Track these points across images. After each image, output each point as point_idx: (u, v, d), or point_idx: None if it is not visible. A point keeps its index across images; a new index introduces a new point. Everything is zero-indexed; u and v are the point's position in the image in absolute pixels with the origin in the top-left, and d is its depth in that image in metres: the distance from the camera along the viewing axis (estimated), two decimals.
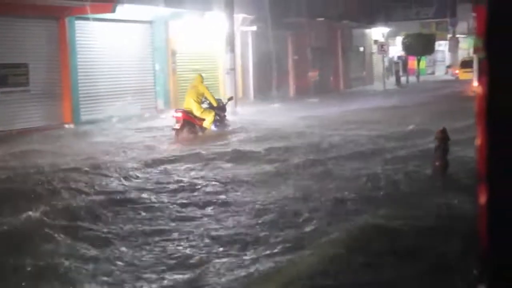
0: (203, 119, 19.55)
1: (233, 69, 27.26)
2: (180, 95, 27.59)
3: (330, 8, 42.46)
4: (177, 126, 18.88)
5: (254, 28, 31.97)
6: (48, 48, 22.17)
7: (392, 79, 48.76)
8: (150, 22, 26.29)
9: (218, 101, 20.45)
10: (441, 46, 59.88)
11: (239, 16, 29.49)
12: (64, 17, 22.39)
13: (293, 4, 37.57)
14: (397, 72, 47.77)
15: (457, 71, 44.72)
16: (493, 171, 1.85)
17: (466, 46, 67.05)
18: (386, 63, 48.59)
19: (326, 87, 40.64)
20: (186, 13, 26.92)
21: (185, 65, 28.19)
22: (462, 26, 60.32)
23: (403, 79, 47.29)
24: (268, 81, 34.36)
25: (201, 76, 20.43)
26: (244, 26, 31.21)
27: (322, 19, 40.16)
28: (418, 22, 54.59)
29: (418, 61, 51.24)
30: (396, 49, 51.53)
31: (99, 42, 23.91)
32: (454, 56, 59.01)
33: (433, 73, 60.95)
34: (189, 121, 19.20)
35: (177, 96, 27.38)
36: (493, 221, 1.91)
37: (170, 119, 20.56)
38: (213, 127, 19.92)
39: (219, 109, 20.21)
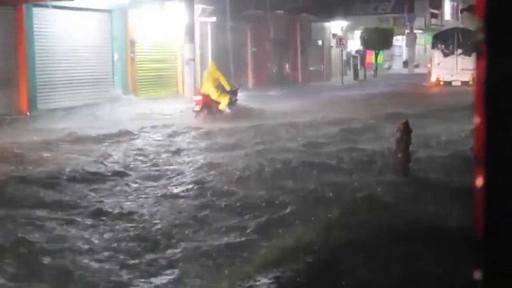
0: (219, 102, 21.90)
1: (192, 59, 27.15)
2: (139, 85, 27.45)
3: (289, 1, 42.53)
4: (197, 108, 21.48)
5: (214, 19, 31.85)
6: (5, 35, 21.77)
7: (350, 73, 48.99)
8: (109, 11, 26.01)
9: (232, 86, 22.94)
10: (399, 41, 60.31)
11: (198, 7, 29.34)
12: (22, 3, 22.00)
13: None
14: (355, 66, 48.07)
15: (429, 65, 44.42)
16: (491, 155, 1.82)
17: (423, 42, 67.66)
18: (344, 57, 48.74)
19: (284, 80, 40.66)
20: (146, 2, 26.75)
21: (144, 55, 28.03)
22: (420, 21, 60.77)
23: (360, 73, 47.51)
24: (227, 73, 34.19)
25: (215, 63, 23.26)
26: (203, 17, 31.06)
27: (281, 11, 40.24)
28: (376, 17, 54.88)
29: (376, 55, 51.51)
30: (354, 43, 51.67)
31: (57, 30, 23.56)
32: (411, 51, 59.44)
33: (389, 67, 61.37)
34: (207, 104, 21.68)
35: (135, 86, 27.18)
36: (490, 205, 1.88)
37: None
38: (227, 109, 22.17)
39: (232, 93, 22.59)
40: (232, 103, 22.54)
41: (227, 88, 22.25)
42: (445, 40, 38.83)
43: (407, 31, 57.92)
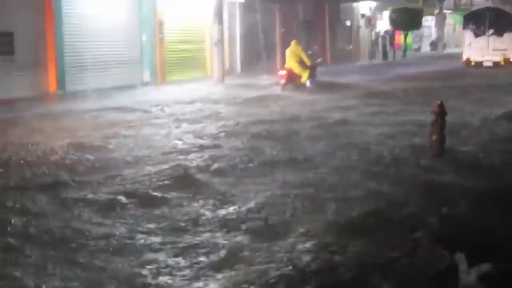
0: (301, 76, 24.58)
1: (220, 40, 26.95)
2: (168, 67, 27.32)
3: None
4: (283, 81, 24.18)
5: (242, 0, 31.64)
6: (34, 17, 21.72)
7: (379, 54, 48.61)
8: None
9: (312, 61, 25.57)
10: (428, 21, 59.65)
11: None
12: None
13: None
14: (384, 47, 47.58)
15: None
16: None
17: (452, 22, 66.99)
18: (373, 38, 48.36)
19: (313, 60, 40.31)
20: None
21: (173, 36, 27.86)
22: (449, 1, 60.17)
23: (389, 54, 47.13)
24: (255, 54, 34.05)
25: (297, 42, 25.74)
26: None
27: None
28: None
29: (405, 36, 51.02)
30: (383, 24, 51.21)
31: (85, 11, 23.42)
32: (441, 31, 58.85)
33: (419, 48, 60.77)
34: (291, 78, 24.37)
35: (164, 68, 27.05)
36: None
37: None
38: (308, 83, 24.69)
39: (311, 68, 25.14)
40: (312, 77, 25.02)
41: (308, 63, 24.86)
42: (476, 20, 38.28)
43: (436, 11, 57.38)
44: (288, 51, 25.30)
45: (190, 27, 29.23)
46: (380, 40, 50.51)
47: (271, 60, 35.68)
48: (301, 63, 24.71)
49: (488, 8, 41.05)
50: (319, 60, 28.24)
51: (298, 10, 39.05)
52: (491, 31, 37.40)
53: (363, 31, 48.17)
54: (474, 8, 49.91)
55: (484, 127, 15.02)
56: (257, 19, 33.50)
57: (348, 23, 47.38)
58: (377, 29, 49.36)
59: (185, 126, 15.72)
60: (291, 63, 24.73)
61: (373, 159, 11.54)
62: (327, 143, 13.07)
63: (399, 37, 53.10)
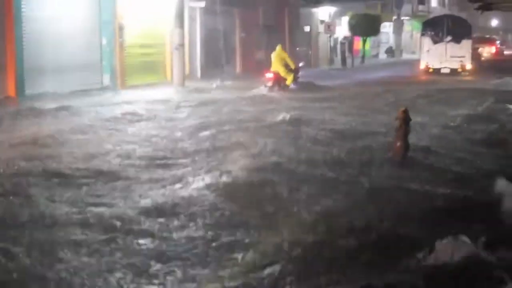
0: (286, 79, 26.51)
1: (182, 45, 26.85)
2: (128, 71, 27.11)
3: None
4: (270, 84, 26.08)
5: (203, 4, 31.52)
6: None
7: (337, 59, 48.81)
8: None
9: (295, 65, 27.49)
10: (386, 27, 60.10)
11: None
12: None
13: None
14: (343, 53, 47.82)
15: None
16: None
17: (410, 28, 67.59)
18: (332, 44, 48.56)
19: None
20: None
21: (133, 40, 27.65)
22: (407, 8, 60.71)
23: (348, 60, 47.34)
24: (215, 59, 34.00)
25: (281, 46, 27.78)
26: (193, 2, 30.75)
27: None
28: (364, 3, 54.48)
29: (364, 42, 51.33)
30: (342, 30, 51.41)
31: (45, 14, 23.01)
32: (399, 37, 59.31)
33: (377, 54, 61.14)
34: (277, 80, 26.28)
35: (124, 72, 26.83)
36: None
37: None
38: (292, 85, 26.78)
39: (295, 71, 27.15)
40: (295, 79, 27.10)
41: (292, 66, 26.89)
42: (434, 27, 38.71)
43: (394, 17, 57.80)
44: (273, 55, 26.98)
45: (150, 31, 29.03)
46: (339, 46, 50.75)
47: (231, 65, 35.68)
48: (286, 66, 26.65)
49: (446, 15, 41.61)
50: (301, 63, 30.03)
51: (258, 15, 39.07)
52: (449, 38, 37.83)
53: (323, 37, 48.37)
54: (432, 15, 50.49)
55: (446, 132, 15.29)
56: (217, 24, 33.45)
57: (307, 28, 47.55)
58: (336, 35, 49.53)
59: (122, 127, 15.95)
60: (277, 66, 26.54)
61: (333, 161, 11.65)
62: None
63: (358, 43, 53.40)
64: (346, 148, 12.88)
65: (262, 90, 25.92)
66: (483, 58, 55.68)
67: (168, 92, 24.57)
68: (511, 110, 19.43)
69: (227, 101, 21.92)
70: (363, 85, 30.34)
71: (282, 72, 26.49)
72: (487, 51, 60.54)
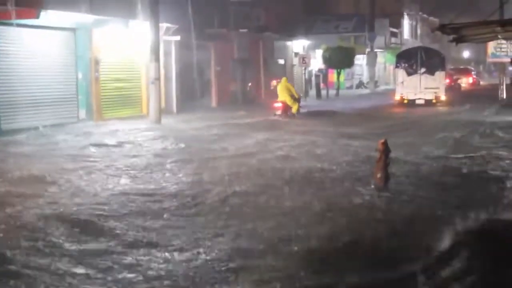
0: (291, 107, 29.50)
1: (158, 79, 26.81)
2: (103, 105, 27.05)
3: (252, 20, 42.51)
4: (279, 112, 29.16)
5: (178, 38, 31.58)
6: None
7: (312, 92, 49.04)
8: (73, 30, 25.54)
9: (298, 95, 31.31)
10: (359, 60, 60.53)
11: (163, 25, 29.07)
12: None
13: (216, 15, 37.46)
14: (317, 85, 48.12)
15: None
16: None
17: (383, 60, 68.13)
18: (307, 76, 48.82)
19: (247, 98, 40.59)
20: (110, 21, 26.39)
21: (109, 74, 27.63)
22: (380, 40, 61.17)
23: (323, 92, 47.57)
24: (191, 92, 34.05)
25: (286, 78, 31.77)
26: (167, 36, 30.79)
27: (245, 30, 40.17)
28: (338, 36, 54.89)
29: (338, 74, 51.62)
30: (316, 62, 51.73)
31: (21, 49, 23.00)
32: (372, 69, 59.72)
33: (351, 87, 61.50)
34: (285, 109, 29.31)
35: (99, 106, 26.75)
36: None
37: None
38: (297, 113, 29.74)
39: (298, 100, 30.40)
40: (299, 107, 30.16)
41: (296, 96, 30.18)
42: (408, 59, 38.99)
43: (367, 49, 58.19)
44: (280, 87, 30.03)
45: (126, 65, 29.04)
46: (313, 78, 51.04)
47: (207, 98, 35.74)
48: (292, 96, 29.56)
49: (419, 47, 42.03)
50: (301, 95, 34.46)
51: (233, 48, 39.25)
52: (423, 69, 38.12)
53: (297, 69, 48.70)
54: (404, 47, 51.01)
55: (425, 162, 15.36)
56: (192, 57, 33.53)
57: (282, 61, 47.84)
58: (311, 68, 49.84)
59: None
60: (284, 96, 29.45)
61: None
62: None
63: (332, 76, 53.72)
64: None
65: (273, 117, 28.72)
66: (462, 88, 59.35)
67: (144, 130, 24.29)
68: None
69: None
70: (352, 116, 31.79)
71: (289, 101, 29.41)
72: (465, 82, 62.36)
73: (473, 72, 72.05)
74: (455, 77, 62.05)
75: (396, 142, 16.63)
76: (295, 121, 27.73)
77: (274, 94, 44.19)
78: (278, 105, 29.55)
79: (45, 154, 17.36)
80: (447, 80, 57.39)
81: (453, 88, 55.26)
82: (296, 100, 29.90)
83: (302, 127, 25.10)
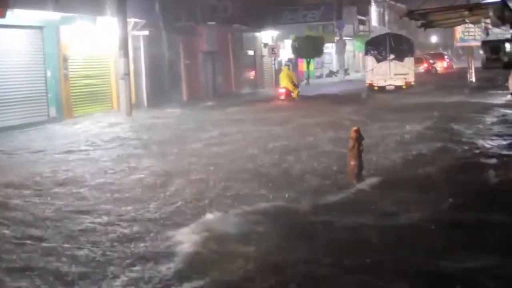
0: (293, 92, 33.74)
1: (127, 74, 26.71)
2: (73, 102, 26.87)
3: (220, 12, 42.39)
4: (282, 97, 33.54)
5: (146, 32, 31.43)
6: None
7: None
8: (40, 28, 25.31)
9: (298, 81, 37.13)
10: (328, 48, 60.54)
11: (131, 21, 28.94)
12: None
13: (184, 9, 37.30)
14: None
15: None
16: None
17: (352, 48, 68.24)
18: (277, 66, 48.79)
19: (217, 90, 40.56)
20: (78, 18, 26.24)
21: (78, 71, 27.45)
22: (348, 28, 61.21)
23: None
24: (161, 86, 33.90)
25: (287, 66, 37.64)
26: (136, 31, 30.64)
27: (213, 23, 40.05)
28: (306, 25, 54.87)
29: (308, 63, 51.62)
30: (286, 52, 51.69)
31: None
32: (341, 58, 59.81)
33: (321, 75, 61.54)
34: (288, 94, 33.63)
35: (69, 103, 26.57)
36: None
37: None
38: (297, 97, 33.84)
39: (298, 86, 35.04)
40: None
41: (296, 82, 34.85)
42: (377, 46, 39.16)
43: (336, 38, 58.25)
44: (282, 75, 34.51)
45: (95, 61, 28.84)
46: (283, 68, 50.96)
47: (178, 92, 35.60)
48: (293, 83, 33.91)
49: (388, 34, 42.19)
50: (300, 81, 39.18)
51: (202, 41, 39.11)
52: (392, 56, 38.31)
53: (267, 60, 48.69)
54: (373, 35, 51.14)
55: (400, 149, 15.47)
56: (162, 52, 33.42)
57: (251, 52, 47.77)
58: (280, 58, 49.81)
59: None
60: (286, 83, 33.78)
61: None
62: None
63: (302, 65, 53.72)
64: None
65: (277, 101, 33.09)
66: (438, 71, 62.19)
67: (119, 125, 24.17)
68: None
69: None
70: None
71: (290, 87, 33.72)
72: (440, 66, 63.57)
73: (446, 57, 73.08)
74: (431, 61, 63.76)
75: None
76: (299, 104, 31.81)
77: (246, 85, 44.52)
78: (282, 90, 33.98)
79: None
80: (425, 65, 59.63)
81: (430, 72, 57.01)
82: (296, 86, 34.29)
83: (308, 105, 30.43)
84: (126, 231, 9.08)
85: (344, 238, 8.45)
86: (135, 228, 9.19)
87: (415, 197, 10.55)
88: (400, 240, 8.21)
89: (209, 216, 9.57)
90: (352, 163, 11.85)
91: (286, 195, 10.94)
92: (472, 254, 7.49)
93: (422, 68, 57.94)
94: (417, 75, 41.04)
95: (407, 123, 19.80)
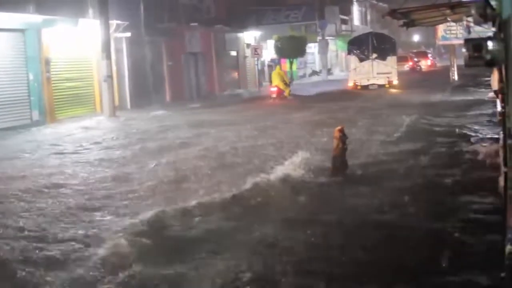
0: (284, 91, 34.68)
1: (110, 76, 26.67)
2: (56, 105, 26.76)
3: (202, 13, 42.37)
4: (274, 95, 34.38)
5: (128, 34, 31.37)
6: None
7: (266, 82, 48.99)
8: (22, 30, 25.21)
9: (289, 80, 37.48)
10: (311, 48, 60.56)
11: (113, 23, 28.88)
12: None
13: (166, 10, 37.24)
14: (271, 75, 48.03)
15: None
16: None
17: (335, 48, 68.33)
18: (260, 67, 48.78)
19: (200, 91, 40.55)
20: (60, 21, 26.13)
21: (60, 74, 27.36)
22: (331, 28, 61.28)
23: None
24: (144, 88, 33.80)
25: (279, 66, 38.78)
26: (118, 33, 30.57)
27: (195, 24, 40.01)
28: (288, 25, 54.82)
29: (291, 63, 51.61)
30: (268, 53, 51.69)
31: None
32: (324, 57, 59.87)
33: (304, 75, 61.58)
34: (279, 92, 34.46)
35: (52, 106, 26.46)
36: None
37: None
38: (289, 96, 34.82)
39: (289, 85, 35.67)
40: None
41: (287, 81, 35.55)
42: (360, 45, 39.28)
43: (319, 38, 58.31)
44: (273, 74, 35.89)
45: (77, 64, 28.77)
46: (266, 68, 51.05)
47: (161, 93, 35.54)
48: (284, 82, 34.82)
49: (370, 33, 42.30)
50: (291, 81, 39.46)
51: (184, 43, 39.06)
52: (374, 55, 38.41)
53: (250, 60, 48.67)
54: (356, 34, 51.23)
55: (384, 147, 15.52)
56: (144, 53, 33.37)
57: (234, 53, 47.75)
58: (263, 58, 49.81)
59: None
60: (277, 82, 34.82)
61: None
62: None
63: (285, 65, 53.70)
64: None
65: (269, 100, 34.00)
66: (423, 69, 62.91)
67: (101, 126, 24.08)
68: None
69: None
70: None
71: (282, 86, 34.70)
72: (424, 64, 64.28)
73: (429, 55, 73.82)
74: (416, 59, 64.27)
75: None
76: (291, 102, 32.49)
77: (229, 86, 44.52)
78: (273, 89, 34.97)
79: None
80: (410, 63, 60.17)
81: (415, 70, 57.59)
82: (287, 85, 35.13)
83: (300, 103, 30.91)
84: None
85: None
86: None
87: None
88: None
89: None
90: (336, 162, 11.92)
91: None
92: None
93: (407, 66, 58.43)
94: (402, 73, 41.26)
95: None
